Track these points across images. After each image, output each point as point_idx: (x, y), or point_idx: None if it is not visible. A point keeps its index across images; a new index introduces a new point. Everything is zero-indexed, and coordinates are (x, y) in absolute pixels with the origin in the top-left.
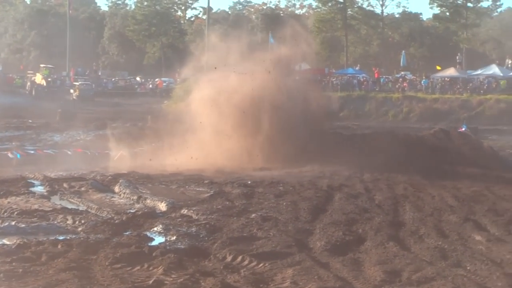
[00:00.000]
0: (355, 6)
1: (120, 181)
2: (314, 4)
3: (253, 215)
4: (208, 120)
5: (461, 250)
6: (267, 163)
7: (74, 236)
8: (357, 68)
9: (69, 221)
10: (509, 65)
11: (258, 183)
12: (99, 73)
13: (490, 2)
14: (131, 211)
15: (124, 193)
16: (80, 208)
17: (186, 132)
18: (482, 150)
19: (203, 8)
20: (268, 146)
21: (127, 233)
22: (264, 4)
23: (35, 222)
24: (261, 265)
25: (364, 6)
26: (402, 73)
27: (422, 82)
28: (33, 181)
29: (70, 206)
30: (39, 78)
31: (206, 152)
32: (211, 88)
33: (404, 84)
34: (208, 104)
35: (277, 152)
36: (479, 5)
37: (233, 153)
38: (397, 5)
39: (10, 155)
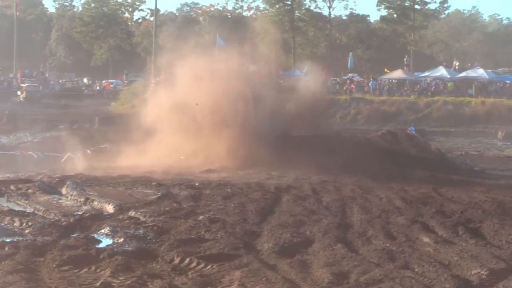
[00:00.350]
0: (303, 8)
1: (68, 183)
2: (262, 6)
3: (201, 217)
4: (167, 124)
5: (409, 252)
6: (214, 165)
7: (21, 238)
8: (304, 71)
9: (16, 223)
10: (456, 67)
11: (206, 185)
12: (46, 75)
13: (437, 4)
14: (79, 213)
15: (72, 195)
16: (27, 210)
17: (143, 135)
18: (429, 152)
19: (151, 9)
20: (214, 147)
21: (74, 235)
22: (212, 6)
23: None
24: (208, 267)
25: (312, 8)
26: (350, 75)
27: (370, 84)
28: None
29: (17, 208)
30: None
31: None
32: (173, 93)
33: (352, 86)
34: (169, 109)
35: (226, 154)
36: (426, 7)
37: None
38: (344, 7)
39: None
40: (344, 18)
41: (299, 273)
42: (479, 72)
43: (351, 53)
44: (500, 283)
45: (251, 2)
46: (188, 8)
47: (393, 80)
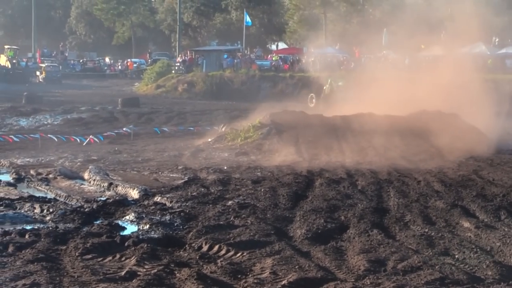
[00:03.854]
0: None
1: (90, 167)
2: None
3: (230, 202)
4: None
5: (448, 238)
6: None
7: (42, 226)
8: (337, 48)
9: (37, 210)
10: (496, 43)
11: (235, 168)
12: (66, 54)
13: None
14: (102, 199)
15: (94, 180)
16: (48, 196)
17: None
18: (469, 132)
19: None
20: None
21: (97, 222)
22: None
23: (1, 211)
24: (238, 254)
25: None
26: (384, 52)
27: (405, 62)
28: None
29: (37, 194)
30: (3, 60)
31: None
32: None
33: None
34: None
35: None
36: None
37: None
38: None
39: None
40: None
41: (333, 260)
42: None
43: (385, 29)
44: None
45: None
46: None
47: (429, 57)
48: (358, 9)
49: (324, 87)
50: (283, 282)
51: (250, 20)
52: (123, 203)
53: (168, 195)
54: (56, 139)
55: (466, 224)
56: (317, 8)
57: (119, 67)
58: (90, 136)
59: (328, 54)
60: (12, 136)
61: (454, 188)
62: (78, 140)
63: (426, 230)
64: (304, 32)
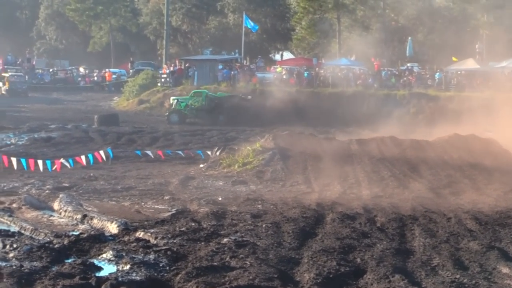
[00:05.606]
0: None
1: (61, 195)
2: None
3: (225, 239)
4: None
5: (484, 286)
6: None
7: (4, 264)
8: (352, 59)
9: None
10: None
11: (231, 200)
12: (34, 63)
13: None
14: (74, 233)
15: (66, 210)
16: (12, 229)
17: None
18: (509, 161)
19: None
20: None
21: (69, 260)
22: None
23: None
24: None
25: None
26: (408, 65)
27: (436, 76)
28: None
29: None
30: None
31: None
32: None
33: (411, 78)
34: None
35: None
36: None
37: None
38: None
39: None
40: None
41: None
42: None
43: (410, 38)
44: None
45: None
46: None
47: (462, 72)
48: (377, 13)
49: None
50: None
51: (255, 25)
52: (99, 239)
53: (152, 230)
54: (19, 162)
55: (505, 270)
56: (330, 12)
57: (95, 78)
58: (61, 159)
59: (342, 67)
60: None
61: (490, 227)
62: (40, 165)
63: (458, 276)
64: (314, 39)
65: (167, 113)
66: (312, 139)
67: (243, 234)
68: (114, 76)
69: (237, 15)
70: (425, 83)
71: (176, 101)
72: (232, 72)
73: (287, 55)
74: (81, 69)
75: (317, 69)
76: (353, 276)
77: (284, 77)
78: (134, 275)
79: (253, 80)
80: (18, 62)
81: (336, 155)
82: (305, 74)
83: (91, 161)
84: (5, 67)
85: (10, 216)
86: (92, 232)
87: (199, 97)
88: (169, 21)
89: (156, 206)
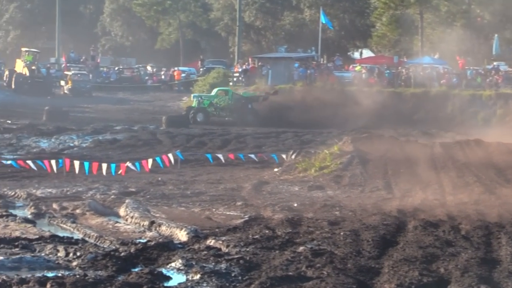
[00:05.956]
0: None
1: (127, 201)
2: None
3: (301, 248)
4: None
5: None
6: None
7: (67, 273)
8: (435, 57)
9: (61, 253)
10: None
11: (307, 206)
12: (98, 60)
13: None
14: (141, 241)
15: (132, 217)
16: (75, 237)
17: None
18: None
19: None
20: None
21: (136, 269)
22: None
23: (16, 254)
24: None
25: None
26: (495, 63)
27: None
28: (13, 201)
29: (61, 233)
30: (20, 66)
31: None
32: None
33: (498, 78)
34: None
35: None
36: None
37: None
38: None
39: None
40: None
41: None
42: None
43: (496, 35)
44: None
45: None
46: None
47: None
48: (462, 9)
49: None
50: None
51: (328, 21)
52: (167, 247)
53: (224, 238)
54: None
55: None
56: (412, 8)
57: (163, 77)
58: (127, 163)
59: (425, 65)
60: (29, 162)
61: None
62: (104, 169)
63: None
64: (395, 36)
65: (192, 112)
66: (392, 142)
67: (319, 242)
68: (183, 75)
69: (313, 10)
70: None
71: (199, 99)
72: (309, 71)
73: (367, 53)
74: (148, 68)
75: (398, 68)
76: (436, 287)
77: (364, 76)
78: (204, 285)
79: (330, 79)
80: (81, 60)
81: (418, 159)
82: (386, 74)
83: (161, 165)
84: (68, 65)
85: (73, 222)
86: (160, 240)
87: (225, 96)
88: (241, 16)
89: (227, 213)
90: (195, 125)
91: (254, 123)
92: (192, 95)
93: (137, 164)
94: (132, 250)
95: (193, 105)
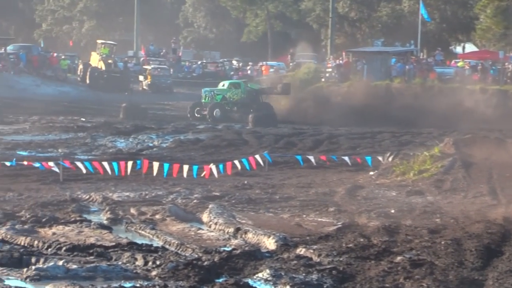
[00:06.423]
0: None
1: (211, 206)
2: None
3: (399, 258)
4: None
5: None
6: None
7: (146, 283)
8: None
9: (139, 262)
10: None
11: (405, 212)
12: (180, 54)
13: None
14: (226, 249)
15: (216, 223)
16: (154, 244)
17: None
18: None
19: None
20: None
21: (220, 280)
22: None
23: (91, 262)
24: None
25: None
26: None
27: None
28: (88, 205)
29: (140, 240)
30: (95, 60)
31: None
32: None
33: None
34: None
35: None
36: None
37: None
38: None
39: (54, 167)
40: None
41: None
42: None
43: None
44: None
45: None
46: None
47: None
48: None
49: None
50: None
51: (425, 14)
52: (254, 256)
53: (315, 247)
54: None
55: None
56: None
57: (250, 72)
58: (211, 165)
59: None
60: (104, 163)
61: None
62: (185, 171)
63: None
64: (500, 30)
65: (207, 108)
66: (498, 144)
67: (419, 252)
68: (271, 69)
69: (412, 1)
70: None
71: (211, 93)
72: (407, 67)
73: (470, 47)
74: (234, 62)
75: (504, 64)
76: None
77: (466, 72)
78: None
79: (431, 75)
80: (161, 53)
81: None
82: (491, 70)
83: (247, 167)
84: (147, 58)
85: (153, 229)
86: (247, 248)
87: (237, 89)
88: (334, 7)
89: (319, 219)
90: (207, 121)
91: (271, 121)
92: (202, 89)
93: (220, 166)
94: (216, 259)
95: (203, 100)
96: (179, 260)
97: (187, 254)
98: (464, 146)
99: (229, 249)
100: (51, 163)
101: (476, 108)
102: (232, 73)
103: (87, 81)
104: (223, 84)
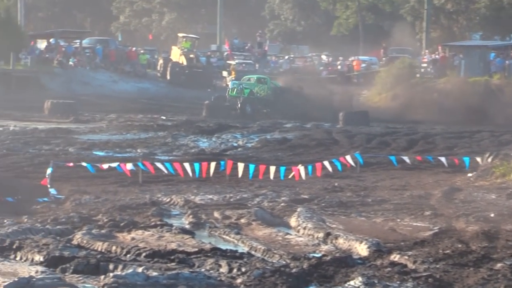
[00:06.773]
0: None
1: (299, 209)
2: None
3: (499, 265)
4: None
5: None
6: None
7: None
8: None
9: (223, 269)
10: None
11: (506, 217)
12: (266, 48)
13: None
14: (316, 255)
15: (305, 228)
16: (240, 250)
17: None
18: None
19: None
20: None
21: None
22: None
23: (172, 269)
24: None
25: None
26: None
27: None
28: (168, 208)
29: (224, 246)
30: (176, 54)
31: None
32: None
33: None
34: None
35: None
36: None
37: None
38: None
39: (133, 168)
40: None
41: None
42: None
43: None
44: None
45: None
46: None
47: None
48: None
49: None
50: None
51: None
52: (346, 263)
53: (410, 253)
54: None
55: None
56: None
57: (340, 67)
58: (299, 166)
59: None
60: (186, 164)
61: None
62: (271, 173)
63: None
64: None
65: (239, 103)
66: None
67: None
68: (363, 65)
69: None
70: None
71: (240, 86)
72: (507, 62)
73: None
74: (323, 57)
75: None
76: None
77: None
78: None
79: None
80: (246, 47)
81: None
82: None
83: (339, 168)
84: (232, 53)
85: (237, 233)
86: (337, 254)
87: (264, 85)
88: None
89: (414, 224)
90: (236, 118)
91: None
92: (230, 81)
93: (309, 167)
94: (305, 266)
95: (231, 93)
96: (266, 267)
97: (274, 261)
98: None
99: (319, 255)
100: (129, 166)
101: None
102: (321, 68)
103: (168, 77)
104: (249, 79)
